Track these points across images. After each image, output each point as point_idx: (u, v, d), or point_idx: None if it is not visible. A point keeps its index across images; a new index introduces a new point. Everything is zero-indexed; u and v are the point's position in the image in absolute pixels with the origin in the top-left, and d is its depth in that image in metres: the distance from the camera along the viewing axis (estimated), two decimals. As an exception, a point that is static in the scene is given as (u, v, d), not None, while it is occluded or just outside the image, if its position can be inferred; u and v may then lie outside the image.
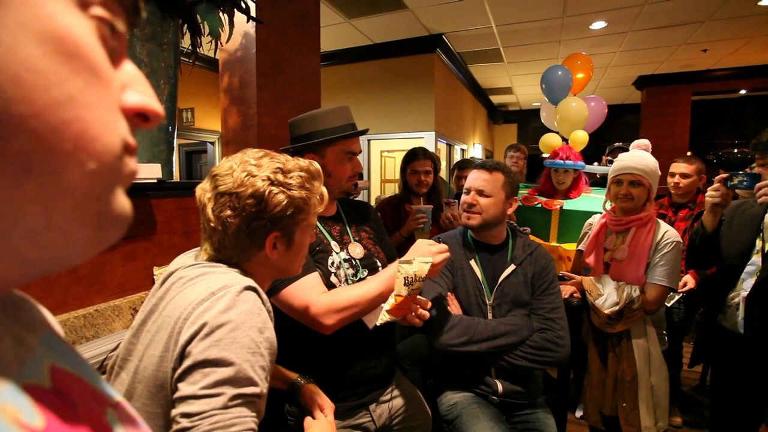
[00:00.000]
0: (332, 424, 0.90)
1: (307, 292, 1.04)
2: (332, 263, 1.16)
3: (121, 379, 0.67)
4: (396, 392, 1.25)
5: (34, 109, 0.20)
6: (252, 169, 0.73)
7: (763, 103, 6.64)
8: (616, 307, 1.49)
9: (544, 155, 2.89)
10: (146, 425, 0.34)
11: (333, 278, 1.14)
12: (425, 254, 1.06)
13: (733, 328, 1.43)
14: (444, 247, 1.10)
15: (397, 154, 5.86)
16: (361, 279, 1.18)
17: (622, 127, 7.59)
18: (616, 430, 1.54)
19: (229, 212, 0.72)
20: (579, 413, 2.29)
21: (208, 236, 0.75)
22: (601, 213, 1.74)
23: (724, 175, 1.43)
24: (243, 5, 1.42)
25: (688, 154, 2.98)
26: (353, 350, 1.16)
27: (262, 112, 1.75)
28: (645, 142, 1.70)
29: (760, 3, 3.68)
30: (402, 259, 1.02)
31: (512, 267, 1.38)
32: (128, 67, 0.27)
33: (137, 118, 0.26)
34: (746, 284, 1.39)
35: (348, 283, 1.15)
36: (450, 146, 5.77)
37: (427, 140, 4.62)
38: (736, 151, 6.88)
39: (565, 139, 2.96)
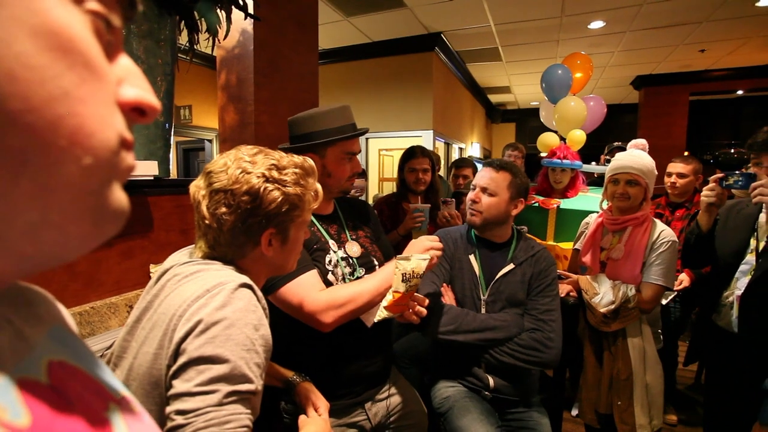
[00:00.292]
0: (326, 422, 0.90)
1: (306, 289, 1.04)
2: (329, 261, 1.16)
3: (116, 376, 0.67)
4: (392, 390, 1.25)
5: (30, 105, 0.20)
6: (247, 166, 0.73)
7: (760, 104, 6.66)
8: (612, 306, 1.49)
9: (542, 154, 2.90)
10: (151, 419, 0.34)
11: (330, 276, 1.14)
12: (423, 250, 1.07)
13: (728, 327, 1.43)
14: (435, 238, 1.12)
15: (395, 153, 5.86)
16: (358, 278, 1.18)
17: (620, 126, 7.61)
18: (612, 429, 1.55)
19: (224, 209, 0.72)
20: (575, 411, 2.30)
21: (203, 233, 0.75)
22: (598, 212, 1.75)
23: (720, 175, 1.43)
24: (241, 2, 1.42)
25: (686, 154, 2.99)
26: (350, 348, 1.16)
27: (260, 109, 1.75)
28: (642, 141, 1.70)
29: (757, 4, 3.69)
30: (400, 255, 1.03)
31: (511, 266, 1.38)
32: (124, 62, 0.26)
33: (134, 112, 0.26)
34: (740, 283, 1.40)
35: (345, 282, 1.16)
36: (448, 145, 5.78)
37: (425, 139, 4.62)
38: (733, 151, 6.89)
39: (563, 139, 2.96)
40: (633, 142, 1.71)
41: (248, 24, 1.66)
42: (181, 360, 0.59)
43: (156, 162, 1.25)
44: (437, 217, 2.06)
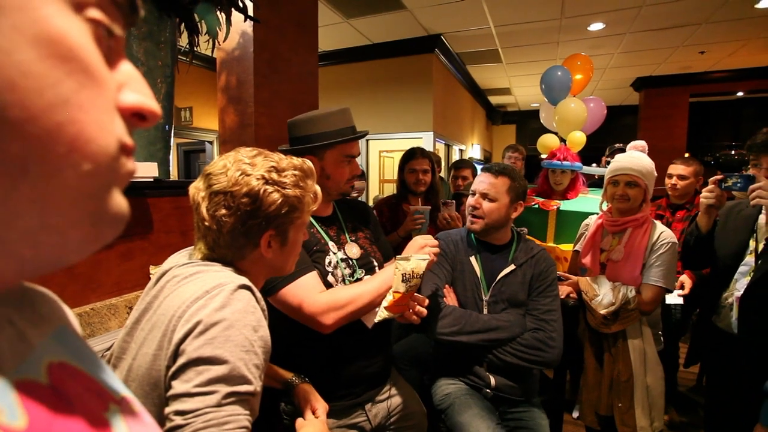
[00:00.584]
0: (324, 423, 0.90)
1: (306, 291, 1.04)
2: (329, 263, 1.16)
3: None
4: (392, 391, 1.25)
5: (29, 113, 0.20)
6: (246, 168, 0.73)
7: (760, 105, 6.67)
8: (612, 308, 1.49)
9: (543, 156, 2.90)
10: (152, 419, 0.34)
11: (330, 278, 1.14)
12: (418, 249, 1.08)
13: (727, 328, 1.43)
14: (430, 236, 1.14)
15: (395, 154, 5.87)
16: (358, 279, 1.18)
17: (620, 128, 7.61)
18: (612, 431, 1.55)
19: (223, 211, 0.72)
20: (575, 414, 2.29)
21: (202, 235, 0.75)
22: (598, 214, 1.75)
23: (719, 177, 1.43)
24: (240, 4, 1.42)
25: (686, 155, 2.99)
26: (350, 349, 1.16)
27: (260, 111, 1.75)
28: (641, 143, 1.70)
29: (757, 6, 3.69)
30: (399, 255, 1.03)
31: (512, 267, 1.39)
32: (125, 67, 0.26)
33: (134, 117, 0.26)
34: (740, 284, 1.40)
35: (345, 283, 1.16)
36: (448, 147, 5.78)
37: (425, 140, 4.63)
38: (733, 152, 6.91)
39: (563, 140, 2.96)
40: (632, 143, 1.71)
41: (248, 26, 1.67)
42: (180, 361, 0.60)
43: (156, 164, 1.25)
44: (437, 218, 2.06)
